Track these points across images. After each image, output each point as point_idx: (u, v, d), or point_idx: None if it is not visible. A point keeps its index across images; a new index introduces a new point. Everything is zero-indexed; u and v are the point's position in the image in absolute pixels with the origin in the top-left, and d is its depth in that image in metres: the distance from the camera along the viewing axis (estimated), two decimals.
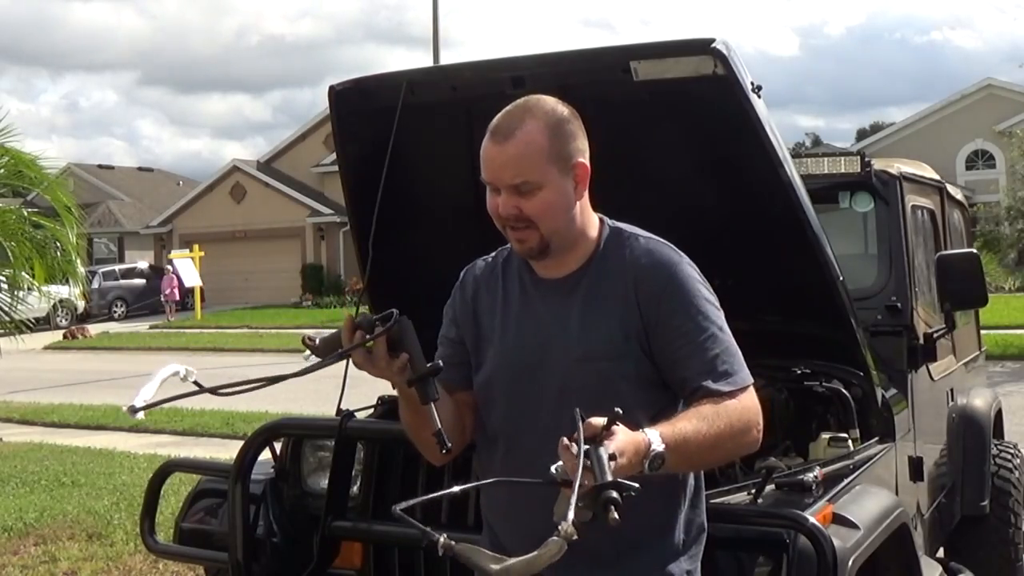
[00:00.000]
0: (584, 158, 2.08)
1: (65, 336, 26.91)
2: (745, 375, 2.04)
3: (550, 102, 2.09)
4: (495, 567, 1.72)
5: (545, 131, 2.03)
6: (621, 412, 1.74)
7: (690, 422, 1.91)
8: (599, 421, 1.74)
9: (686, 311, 2.03)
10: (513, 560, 1.69)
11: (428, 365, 1.96)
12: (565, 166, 2.05)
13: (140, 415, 2.07)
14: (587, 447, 1.67)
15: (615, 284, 2.08)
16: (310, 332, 2.05)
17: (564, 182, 2.05)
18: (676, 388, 2.07)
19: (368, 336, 1.92)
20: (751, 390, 2.03)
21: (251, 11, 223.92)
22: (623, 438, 1.74)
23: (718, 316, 2.06)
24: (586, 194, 2.12)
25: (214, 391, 1.98)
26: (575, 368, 2.06)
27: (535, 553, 1.65)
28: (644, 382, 2.05)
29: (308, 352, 2.00)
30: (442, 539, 1.72)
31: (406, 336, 1.94)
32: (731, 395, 1.99)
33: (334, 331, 1.99)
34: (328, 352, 1.97)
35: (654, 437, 1.81)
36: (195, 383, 2.14)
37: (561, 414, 2.05)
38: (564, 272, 2.12)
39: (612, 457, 1.69)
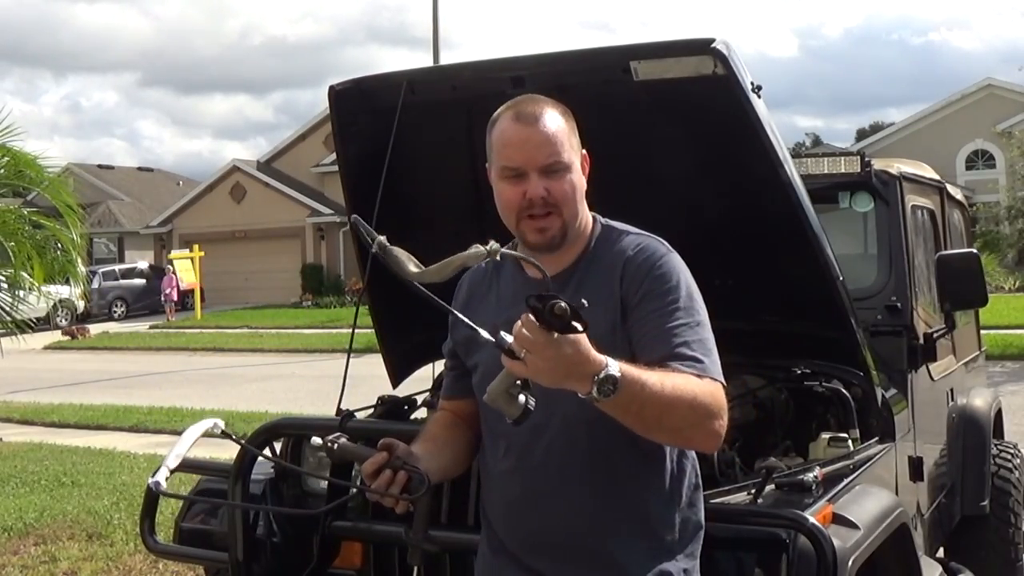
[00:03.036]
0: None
1: (64, 334, 26.90)
2: (715, 370, 1.98)
3: (551, 100, 2.13)
4: (414, 269, 1.90)
5: (563, 117, 2.10)
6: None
7: (653, 373, 1.86)
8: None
9: (662, 297, 2.01)
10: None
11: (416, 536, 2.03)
12: (577, 154, 2.11)
13: (163, 487, 2.05)
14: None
15: (603, 279, 2.08)
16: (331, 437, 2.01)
17: (578, 168, 2.10)
18: None
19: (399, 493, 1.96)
20: (719, 386, 1.97)
21: (253, 12, 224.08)
22: (573, 336, 1.73)
23: (698, 311, 2.03)
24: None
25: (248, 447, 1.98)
26: None
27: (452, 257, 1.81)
28: None
29: (319, 443, 1.99)
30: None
31: (422, 502, 2.01)
32: (699, 376, 1.93)
33: (358, 448, 2.00)
34: (342, 459, 1.98)
35: (613, 365, 1.79)
36: (225, 434, 2.14)
37: (552, 412, 2.06)
38: (556, 271, 2.13)
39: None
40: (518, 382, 1.80)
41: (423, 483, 1.98)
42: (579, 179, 2.10)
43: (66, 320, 29.59)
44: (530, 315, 1.72)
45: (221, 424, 2.16)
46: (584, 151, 2.13)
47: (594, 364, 1.77)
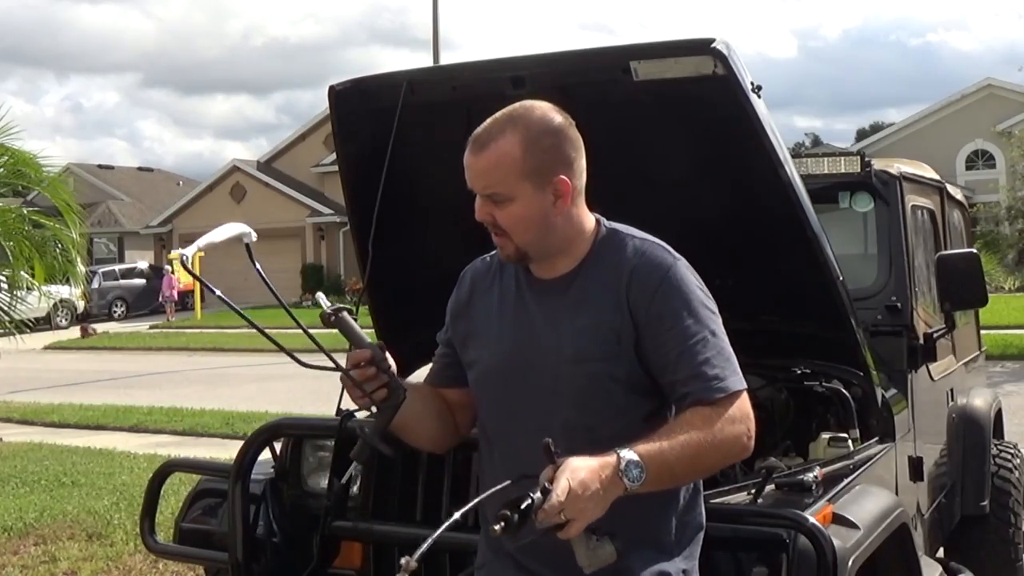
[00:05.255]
0: (569, 173, 2.05)
1: (80, 334, 27.11)
2: (736, 380, 2.00)
3: (539, 112, 2.05)
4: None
5: (521, 145, 2.01)
6: (550, 440, 1.79)
7: (668, 435, 1.90)
8: (546, 474, 1.79)
9: (677, 313, 2.01)
10: None
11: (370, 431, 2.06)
12: (541, 181, 2.03)
13: (188, 255, 2.13)
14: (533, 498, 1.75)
15: (608, 285, 2.06)
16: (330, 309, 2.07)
17: (539, 197, 2.03)
18: (666, 391, 2.04)
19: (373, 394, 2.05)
20: (743, 396, 2.00)
21: (255, 13, 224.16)
22: (576, 465, 1.78)
23: (712, 319, 2.03)
24: (580, 200, 2.10)
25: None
26: (566, 369, 2.05)
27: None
28: (636, 384, 2.04)
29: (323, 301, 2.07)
30: None
31: (389, 409, 2.06)
32: (720, 403, 1.96)
33: (355, 328, 2.07)
34: (337, 327, 2.06)
35: (624, 452, 1.84)
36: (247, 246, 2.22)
37: (552, 416, 2.06)
38: (558, 273, 2.12)
39: (545, 492, 1.75)
40: (594, 537, 1.82)
41: (398, 392, 2.05)
42: (529, 209, 2.03)
43: (66, 320, 29.74)
44: (541, 493, 1.75)
45: (253, 235, 2.24)
46: (563, 176, 2.04)
47: (610, 463, 1.82)
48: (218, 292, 2.09)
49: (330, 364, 2.06)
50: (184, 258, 2.11)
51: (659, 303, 2.02)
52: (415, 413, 2.17)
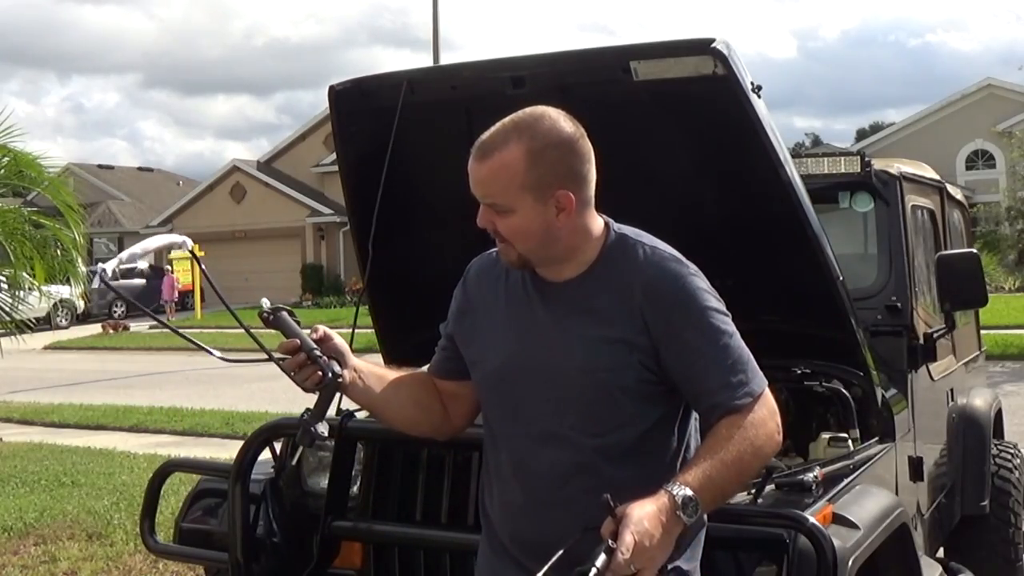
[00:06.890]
0: (573, 187, 2.01)
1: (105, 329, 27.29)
2: (759, 381, 2.01)
3: (547, 123, 2.01)
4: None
5: (525, 157, 1.97)
6: (608, 497, 1.78)
7: (711, 457, 1.90)
8: (607, 528, 1.77)
9: (697, 325, 2.00)
10: None
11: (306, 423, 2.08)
12: (543, 194, 1.99)
13: (108, 275, 2.17)
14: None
15: (619, 295, 2.04)
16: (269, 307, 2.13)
17: (540, 209, 2.00)
18: (692, 402, 2.05)
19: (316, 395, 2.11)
20: (767, 394, 2.01)
21: (257, 14, 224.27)
22: (637, 515, 1.77)
23: (726, 323, 2.03)
24: (587, 211, 2.05)
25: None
26: (574, 377, 2.03)
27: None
28: (644, 394, 2.03)
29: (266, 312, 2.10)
30: None
31: (327, 392, 2.11)
32: (748, 408, 1.97)
33: (291, 324, 2.12)
34: (275, 327, 2.12)
35: (676, 488, 1.84)
36: (191, 252, 2.30)
37: (558, 421, 2.05)
38: (565, 277, 2.09)
39: (610, 552, 1.73)
40: None
41: (328, 376, 2.09)
42: (529, 221, 2.00)
43: (66, 320, 29.84)
44: (606, 553, 1.73)
45: (188, 243, 2.31)
46: (565, 191, 1.99)
47: (667, 505, 1.82)
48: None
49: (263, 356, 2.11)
50: (103, 272, 2.16)
51: (677, 318, 2.00)
52: (383, 397, 2.19)
